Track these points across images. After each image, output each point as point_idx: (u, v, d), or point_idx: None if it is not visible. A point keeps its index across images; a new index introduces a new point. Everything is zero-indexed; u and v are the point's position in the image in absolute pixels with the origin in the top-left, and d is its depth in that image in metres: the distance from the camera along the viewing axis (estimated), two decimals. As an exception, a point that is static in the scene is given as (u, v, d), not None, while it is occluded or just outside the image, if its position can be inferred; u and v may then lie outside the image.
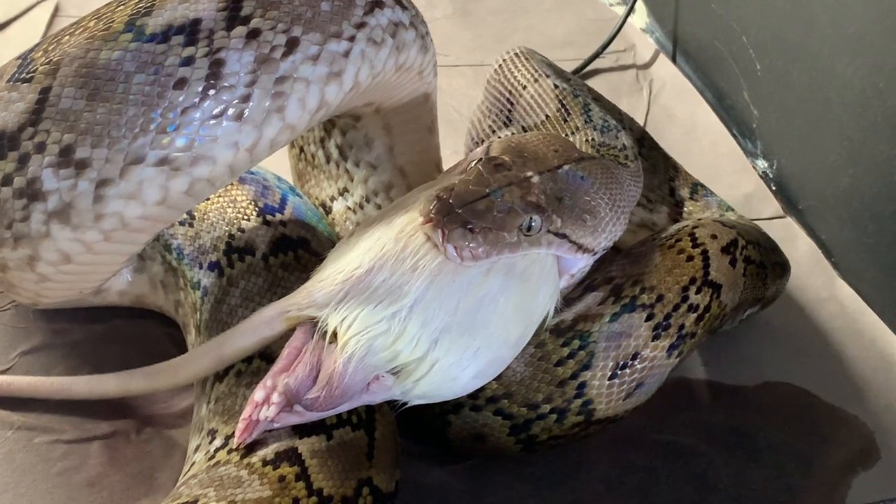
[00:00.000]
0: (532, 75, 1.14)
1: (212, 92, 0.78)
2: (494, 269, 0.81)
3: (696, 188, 1.24)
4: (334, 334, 0.79)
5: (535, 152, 0.87)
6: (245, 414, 0.78)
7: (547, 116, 1.09)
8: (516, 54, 1.19)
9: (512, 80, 1.15)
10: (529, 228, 0.81)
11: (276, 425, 0.79)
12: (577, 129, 1.07)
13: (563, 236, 0.85)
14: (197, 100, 0.78)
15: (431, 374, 0.79)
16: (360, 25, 0.85)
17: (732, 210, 1.21)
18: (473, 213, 0.79)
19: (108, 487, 0.97)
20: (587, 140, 1.04)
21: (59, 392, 1.00)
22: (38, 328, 1.11)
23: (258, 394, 0.78)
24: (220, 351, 0.87)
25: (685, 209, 1.23)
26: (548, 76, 1.12)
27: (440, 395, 0.83)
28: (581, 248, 0.87)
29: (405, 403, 0.82)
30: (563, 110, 1.08)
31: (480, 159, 0.85)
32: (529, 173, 0.84)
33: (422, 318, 0.78)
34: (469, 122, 1.24)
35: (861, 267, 1.26)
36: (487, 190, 0.81)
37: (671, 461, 1.03)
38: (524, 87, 1.12)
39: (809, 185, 1.35)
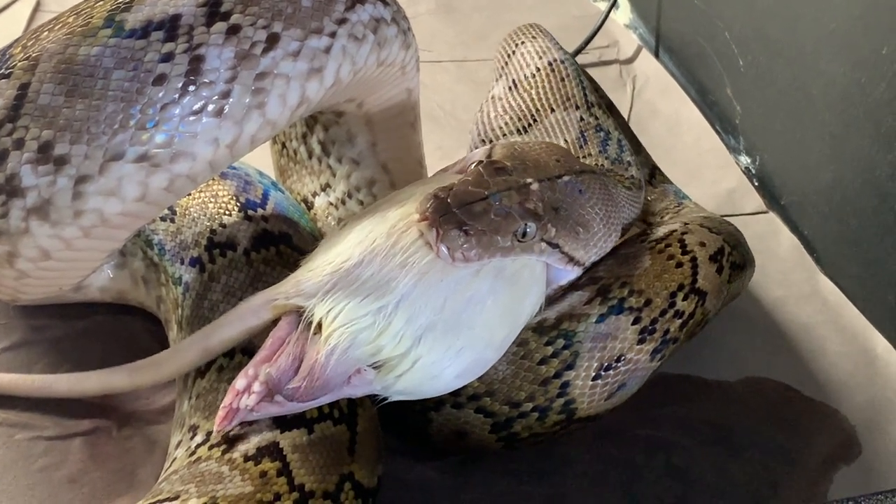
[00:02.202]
0: (563, 102, 1.13)
1: (191, 88, 0.77)
2: (484, 271, 0.81)
3: (655, 172, 1.25)
4: (319, 325, 0.79)
5: (536, 160, 0.88)
6: (225, 402, 0.78)
7: (565, 141, 1.09)
8: (554, 62, 1.17)
9: (544, 97, 1.14)
10: (524, 235, 0.81)
11: (255, 415, 0.79)
12: (590, 155, 1.07)
13: (556, 246, 0.85)
14: (176, 96, 0.77)
15: (413, 370, 0.79)
16: (342, 21, 0.84)
17: (688, 198, 1.21)
18: (470, 214, 0.79)
19: (89, 484, 0.97)
20: (596, 164, 1.04)
21: (40, 390, 0.99)
22: (17, 324, 1.10)
23: (239, 382, 0.78)
24: (205, 343, 0.86)
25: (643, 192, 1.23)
26: (577, 108, 1.12)
27: (421, 392, 0.83)
28: (571, 259, 0.88)
29: (385, 399, 0.82)
30: (581, 138, 1.08)
31: (481, 161, 0.85)
32: (529, 180, 0.84)
33: (407, 315, 0.78)
34: (480, 110, 1.23)
35: (843, 262, 1.27)
36: (486, 192, 0.81)
37: (654, 456, 1.03)
38: (552, 111, 1.12)
39: (792, 181, 1.36)
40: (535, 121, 1.12)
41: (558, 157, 0.90)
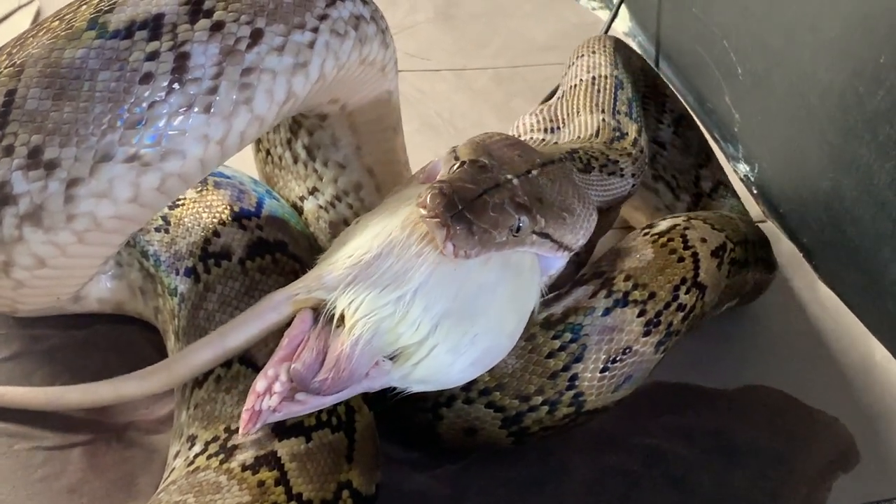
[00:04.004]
0: (592, 108, 1.15)
1: (178, 86, 0.78)
2: (493, 261, 0.83)
3: (719, 186, 1.27)
4: (341, 318, 0.80)
5: (501, 156, 0.88)
6: (247, 405, 0.78)
7: (578, 137, 1.10)
8: (598, 77, 1.20)
9: (577, 104, 1.17)
10: (518, 229, 0.82)
11: (278, 416, 0.79)
12: (594, 142, 1.08)
13: (546, 236, 0.86)
14: (164, 94, 0.78)
15: (430, 358, 0.80)
16: (323, 17, 0.85)
17: (742, 214, 1.23)
18: (474, 212, 0.80)
19: (89, 494, 0.97)
20: (591, 145, 1.05)
21: (51, 402, 0.99)
22: (16, 334, 1.10)
23: (260, 384, 0.78)
24: (222, 342, 0.85)
25: (700, 204, 1.26)
26: (602, 112, 1.14)
27: (438, 380, 0.84)
28: (562, 246, 0.89)
29: (397, 395, 0.83)
30: (595, 134, 1.10)
31: (464, 161, 0.86)
32: (509, 176, 0.85)
33: (424, 303, 0.79)
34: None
35: (842, 270, 1.27)
36: (480, 189, 0.82)
37: (652, 465, 1.03)
38: (578, 114, 1.14)
39: (790, 189, 1.36)
40: (563, 124, 1.14)
41: (519, 152, 0.90)
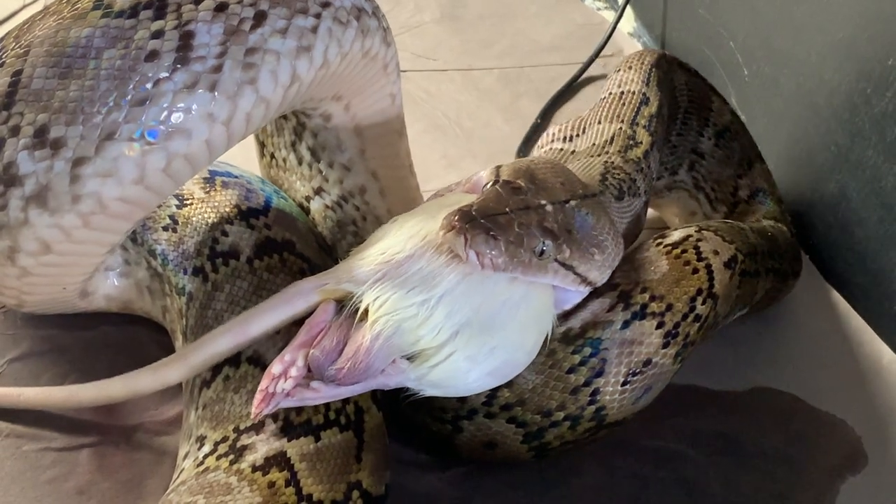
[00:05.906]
0: (612, 118, 1.16)
1: (182, 64, 0.79)
2: (519, 279, 0.84)
3: (757, 193, 1.27)
4: (364, 313, 0.81)
5: (543, 181, 0.89)
6: (262, 386, 0.78)
7: (593, 144, 1.11)
8: (626, 92, 1.21)
9: (600, 115, 1.18)
10: (542, 253, 0.82)
11: (291, 401, 0.79)
12: (608, 153, 1.08)
13: (570, 268, 0.86)
14: (169, 72, 0.79)
15: (447, 362, 0.81)
16: (325, 4, 0.87)
17: (777, 218, 1.23)
18: (495, 224, 0.80)
19: (98, 495, 0.97)
20: (607, 160, 1.05)
21: (67, 400, 0.98)
22: (26, 335, 1.10)
23: (276, 367, 0.79)
24: (244, 329, 0.85)
25: (737, 211, 1.27)
26: (621, 122, 1.15)
27: (453, 386, 0.84)
28: (585, 281, 0.89)
29: (413, 395, 0.84)
30: (609, 141, 1.10)
31: (497, 181, 0.86)
32: (543, 201, 0.85)
33: (448, 309, 0.80)
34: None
35: (848, 272, 1.27)
36: (507, 209, 0.83)
37: (661, 467, 1.04)
38: (598, 123, 1.15)
39: (797, 191, 1.36)
40: (583, 131, 1.15)
41: (563, 180, 0.91)
